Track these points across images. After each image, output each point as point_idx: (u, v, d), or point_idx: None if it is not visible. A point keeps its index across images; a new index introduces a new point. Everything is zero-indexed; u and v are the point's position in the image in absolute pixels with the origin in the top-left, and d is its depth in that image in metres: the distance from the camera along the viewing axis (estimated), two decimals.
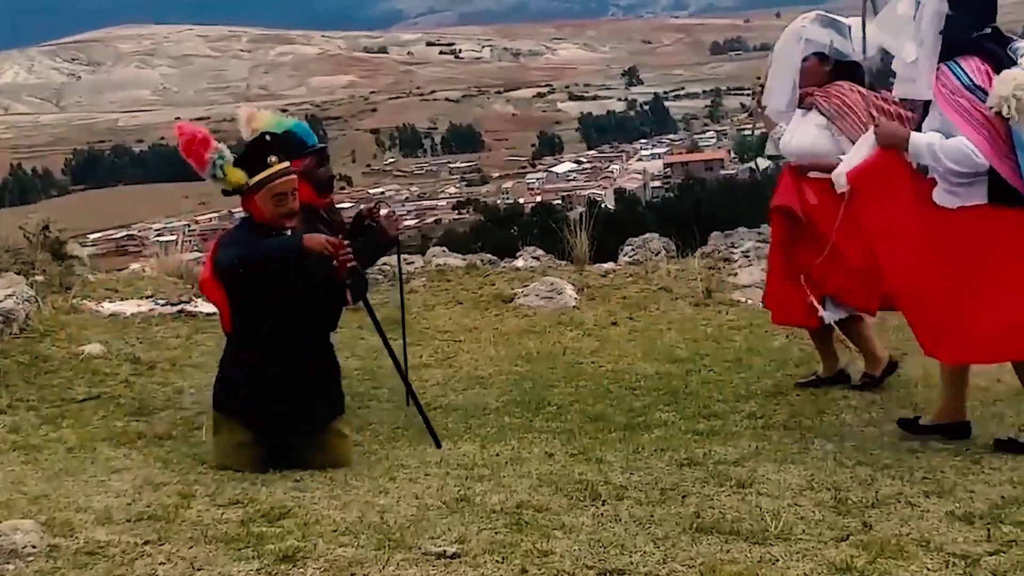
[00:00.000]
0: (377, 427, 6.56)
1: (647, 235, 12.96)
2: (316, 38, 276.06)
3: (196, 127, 5.52)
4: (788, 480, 5.02)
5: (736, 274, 11.04)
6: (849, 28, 6.77)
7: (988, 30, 5.28)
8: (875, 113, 6.40)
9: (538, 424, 6.53)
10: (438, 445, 5.75)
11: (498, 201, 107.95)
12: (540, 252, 12.77)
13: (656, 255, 12.14)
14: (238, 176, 5.42)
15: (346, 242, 5.47)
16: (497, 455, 5.69)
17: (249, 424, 5.56)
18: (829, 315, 6.77)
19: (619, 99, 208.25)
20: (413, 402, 5.96)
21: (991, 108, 5.05)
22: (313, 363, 5.66)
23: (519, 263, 12.32)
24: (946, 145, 5.14)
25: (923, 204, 5.38)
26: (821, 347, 7.15)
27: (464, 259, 12.48)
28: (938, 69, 5.22)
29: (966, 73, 5.15)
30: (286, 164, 5.56)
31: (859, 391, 6.91)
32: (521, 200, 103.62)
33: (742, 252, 11.61)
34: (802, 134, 6.73)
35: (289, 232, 5.51)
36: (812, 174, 6.58)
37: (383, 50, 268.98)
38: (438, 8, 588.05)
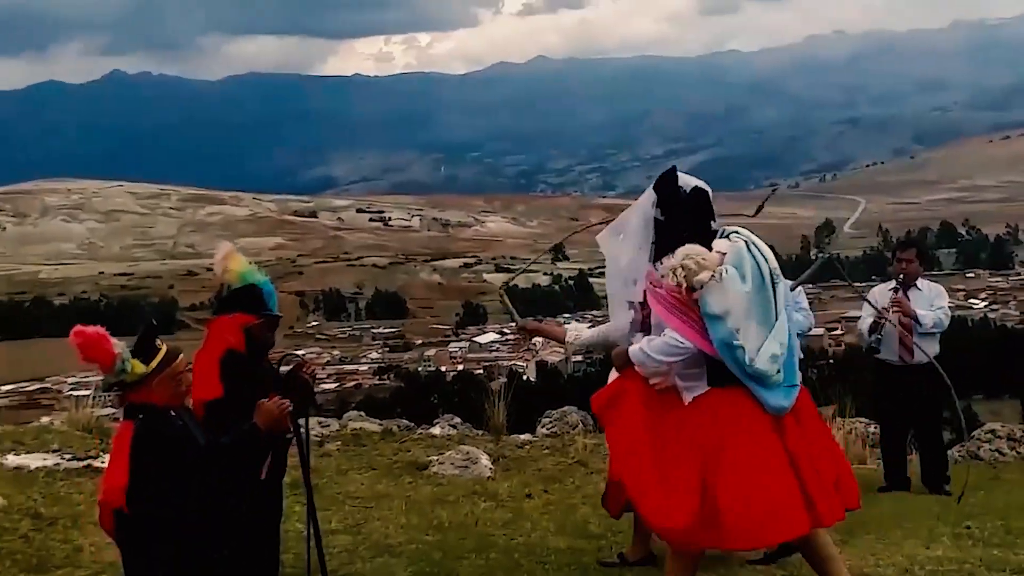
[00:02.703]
0: None
1: (565, 407, 12.99)
2: (247, 200, 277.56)
3: (92, 328, 5.39)
4: None
5: None
6: None
7: (701, 230, 5.48)
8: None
9: None
10: None
11: (420, 368, 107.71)
12: (457, 420, 12.74)
13: (574, 428, 12.15)
14: (140, 367, 5.34)
15: (286, 401, 5.45)
16: None
17: None
18: None
19: (545, 273, 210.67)
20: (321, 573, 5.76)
21: (663, 277, 5.24)
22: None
23: (436, 430, 12.26)
24: (653, 344, 5.35)
25: (659, 411, 5.47)
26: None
27: (381, 424, 12.40)
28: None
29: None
30: (170, 347, 5.46)
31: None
32: (443, 368, 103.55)
33: None
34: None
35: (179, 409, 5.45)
36: None
37: (313, 214, 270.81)
38: (370, 177, 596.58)
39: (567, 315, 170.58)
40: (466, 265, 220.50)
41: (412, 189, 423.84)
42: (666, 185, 5.45)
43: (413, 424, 12.73)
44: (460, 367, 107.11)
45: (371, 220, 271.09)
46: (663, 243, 5.43)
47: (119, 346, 5.26)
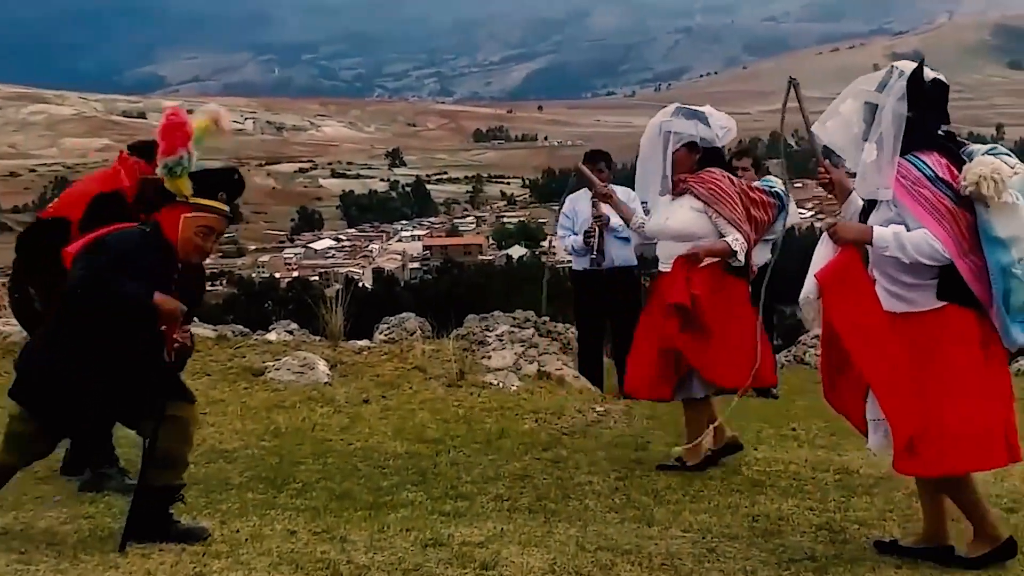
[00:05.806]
0: (111, 498, 6.26)
1: (403, 314, 12.94)
2: (72, 99, 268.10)
3: (188, 119, 5.18)
4: (531, 563, 5.03)
5: (490, 357, 11.10)
6: (708, 117, 7.36)
7: (943, 131, 5.27)
8: (743, 197, 7.20)
9: (282, 501, 6.36)
10: (122, 548, 5.05)
11: (253, 274, 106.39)
12: (294, 326, 12.57)
13: (411, 334, 12.11)
14: (185, 187, 5.12)
15: (190, 330, 5.32)
16: (237, 531, 5.51)
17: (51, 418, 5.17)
18: (696, 389, 7.15)
19: (381, 179, 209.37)
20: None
21: (966, 188, 4.93)
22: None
23: (272, 336, 12.09)
24: (912, 237, 5.00)
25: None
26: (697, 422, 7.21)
27: (215, 329, 12.18)
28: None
29: (928, 166, 5.08)
30: (227, 208, 5.29)
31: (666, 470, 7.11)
32: (277, 275, 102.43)
33: (496, 335, 11.70)
34: (680, 218, 7.16)
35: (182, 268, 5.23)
36: (706, 261, 7.06)
37: (142, 115, 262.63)
38: (201, 77, 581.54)
39: (404, 222, 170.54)
40: (301, 170, 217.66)
41: (245, 91, 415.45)
42: (917, 82, 5.22)
43: (248, 330, 12.53)
44: (295, 273, 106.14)
45: None
46: (909, 140, 5.13)
47: (191, 152, 5.12)
